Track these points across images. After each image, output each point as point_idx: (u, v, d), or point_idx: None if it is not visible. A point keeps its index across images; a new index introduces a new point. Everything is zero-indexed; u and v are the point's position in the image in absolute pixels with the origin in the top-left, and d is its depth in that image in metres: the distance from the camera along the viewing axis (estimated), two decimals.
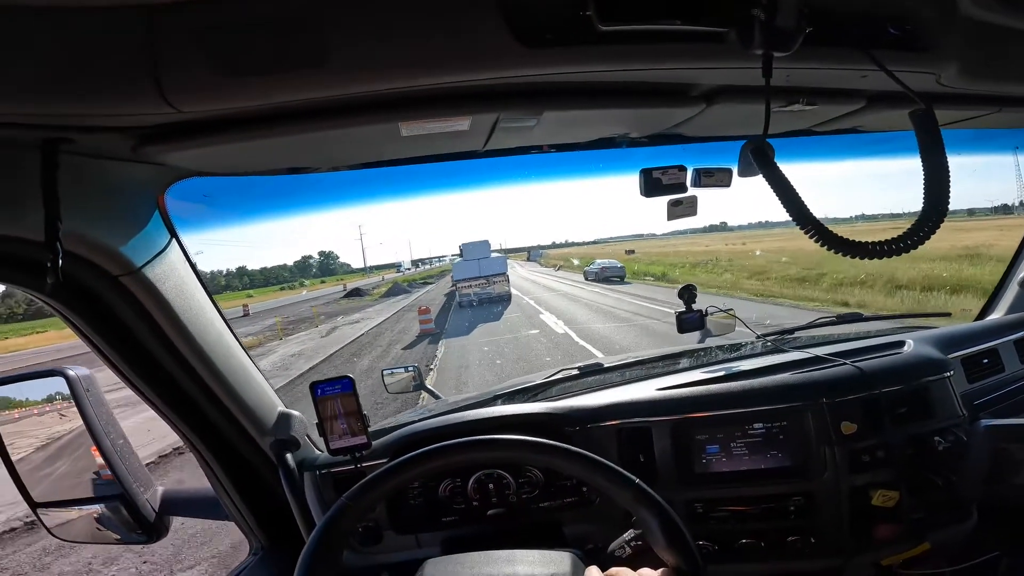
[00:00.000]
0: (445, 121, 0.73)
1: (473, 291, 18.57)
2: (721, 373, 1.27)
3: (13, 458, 1.00)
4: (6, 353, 22.68)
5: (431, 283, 40.41)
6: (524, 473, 1.14)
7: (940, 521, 1.12)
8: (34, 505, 1.05)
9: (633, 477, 0.76)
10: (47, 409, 1.06)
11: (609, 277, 23.82)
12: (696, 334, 1.50)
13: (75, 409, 1.00)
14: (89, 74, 0.50)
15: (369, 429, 1.07)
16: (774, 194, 0.66)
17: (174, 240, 0.87)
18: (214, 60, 0.51)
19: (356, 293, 33.55)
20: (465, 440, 0.83)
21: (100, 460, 1.05)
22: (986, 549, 1.21)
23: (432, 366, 8.93)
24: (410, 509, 1.15)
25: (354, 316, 20.17)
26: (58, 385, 0.97)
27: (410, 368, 1.61)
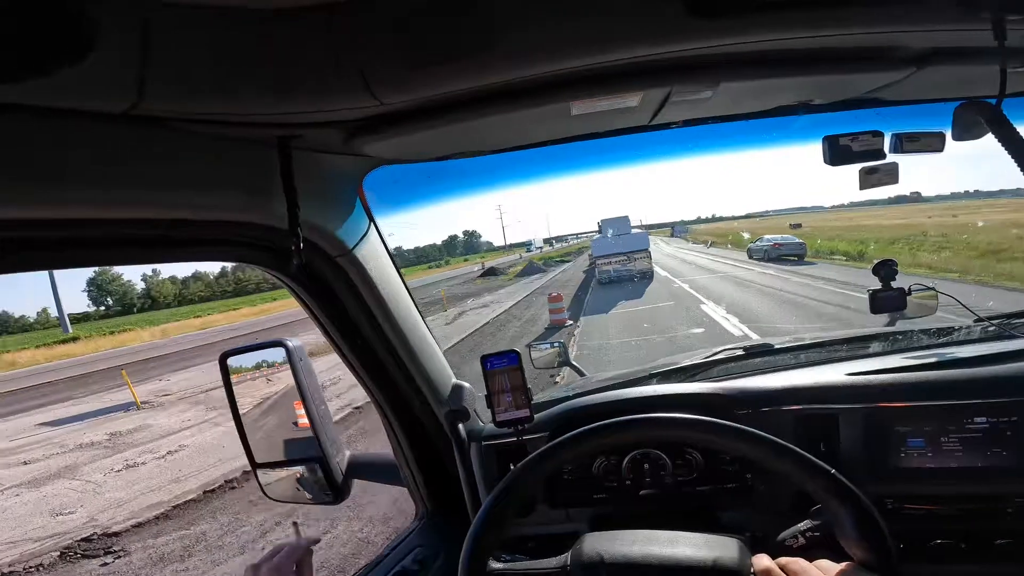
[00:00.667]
0: (616, 98, 0.74)
1: (613, 268, 18.18)
2: (931, 360, 1.14)
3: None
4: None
5: (568, 261, 39.71)
6: (683, 455, 1.12)
7: None
8: (255, 465, 1.20)
9: (828, 466, 0.72)
10: (256, 375, 1.24)
11: (783, 255, 19.30)
12: (883, 317, 1.36)
13: (280, 375, 1.16)
14: (310, 75, 0.56)
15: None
16: (1013, 159, 0.60)
17: (372, 224, 0.98)
18: (405, 50, 0.56)
19: (492, 273, 33.62)
20: (645, 417, 0.83)
21: (303, 422, 1.21)
22: None
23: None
24: (563, 484, 1.17)
25: (484, 299, 19.87)
26: (277, 355, 1.12)
27: (556, 344, 1.65)
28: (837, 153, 0.91)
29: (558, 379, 4.24)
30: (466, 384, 1.20)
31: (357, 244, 0.92)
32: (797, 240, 21.10)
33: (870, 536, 0.67)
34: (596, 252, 19.20)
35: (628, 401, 1.16)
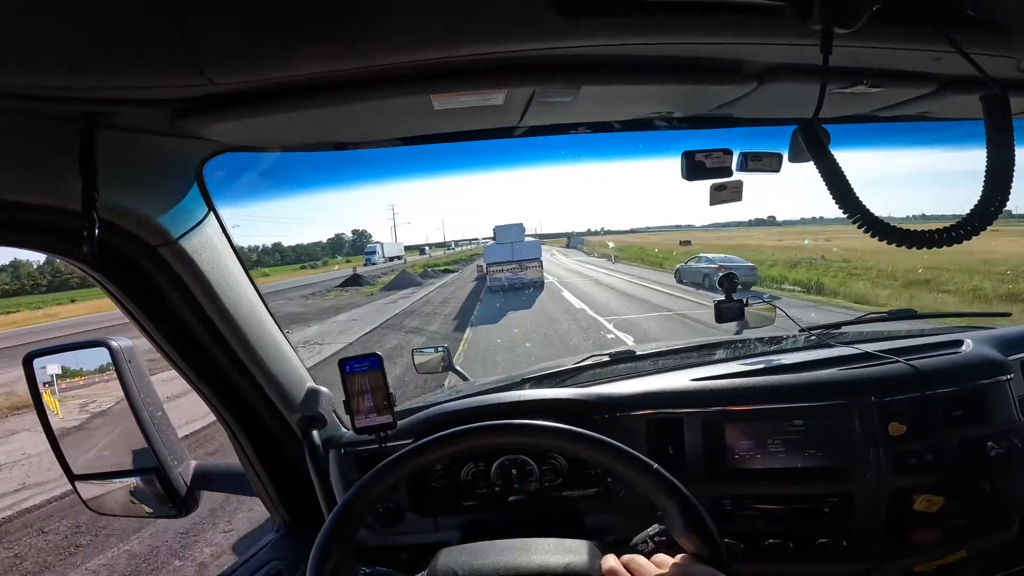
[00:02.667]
0: (478, 95, 0.71)
1: (505, 275, 18.09)
2: (760, 366, 1.22)
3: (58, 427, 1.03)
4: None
5: (453, 271, 31.38)
6: (548, 460, 1.13)
7: (982, 529, 1.07)
8: (72, 477, 1.07)
9: (652, 463, 0.75)
10: (96, 380, 1.09)
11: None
12: (732, 326, 1.45)
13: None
14: (125, 46, 0.50)
15: (395, 409, 1.06)
16: (823, 181, 0.64)
17: (211, 213, 0.88)
18: (245, 28, 0.51)
19: (355, 282, 25.38)
20: (484, 424, 0.83)
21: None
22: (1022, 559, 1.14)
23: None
24: (431, 491, 1.15)
25: (311, 329, 12.89)
26: (103, 356, 0.99)
27: (440, 348, 1.61)
28: (693, 168, 0.94)
29: (445, 382, 4.18)
30: (322, 388, 1.13)
31: (187, 233, 0.83)
32: (747, 263, 16.85)
33: (696, 527, 0.70)
34: (488, 259, 19.11)
35: (490, 407, 1.15)
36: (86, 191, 0.62)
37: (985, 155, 0.64)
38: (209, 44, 0.51)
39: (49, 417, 1.00)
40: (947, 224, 0.62)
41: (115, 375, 1.01)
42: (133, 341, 1.04)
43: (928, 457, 1.04)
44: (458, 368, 1.69)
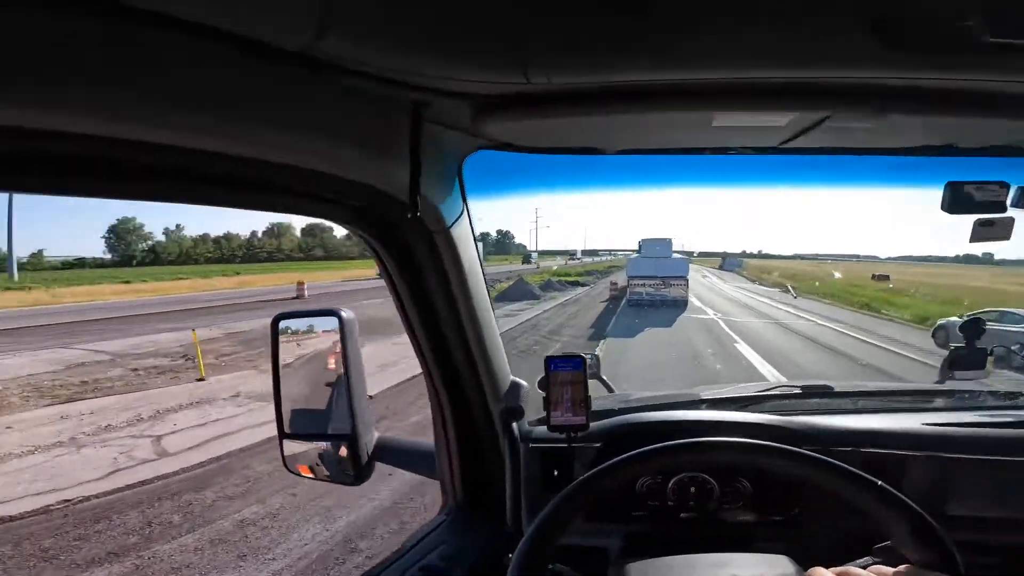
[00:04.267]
0: (765, 115, 0.71)
1: (646, 290, 17.55)
2: (1002, 419, 1.13)
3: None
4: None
5: (583, 284, 25.76)
6: (731, 483, 1.09)
7: None
8: (282, 435, 1.16)
9: (876, 479, 0.75)
10: (291, 340, 1.19)
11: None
12: (935, 374, 1.33)
13: (310, 341, 1.12)
14: (463, 39, 0.54)
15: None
16: None
17: (465, 206, 0.95)
18: (570, 35, 0.53)
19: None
20: (708, 440, 0.84)
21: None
22: None
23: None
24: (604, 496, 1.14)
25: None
26: (329, 323, 1.08)
27: (590, 356, 1.60)
28: (958, 200, 0.87)
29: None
30: (523, 382, 1.16)
31: (453, 223, 0.90)
32: None
33: (929, 537, 0.69)
34: (631, 272, 18.61)
35: (687, 423, 1.13)
36: (414, 178, 0.69)
37: None
38: (537, 47, 0.54)
39: (281, 375, 1.09)
40: None
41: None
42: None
43: None
44: (604, 378, 1.67)
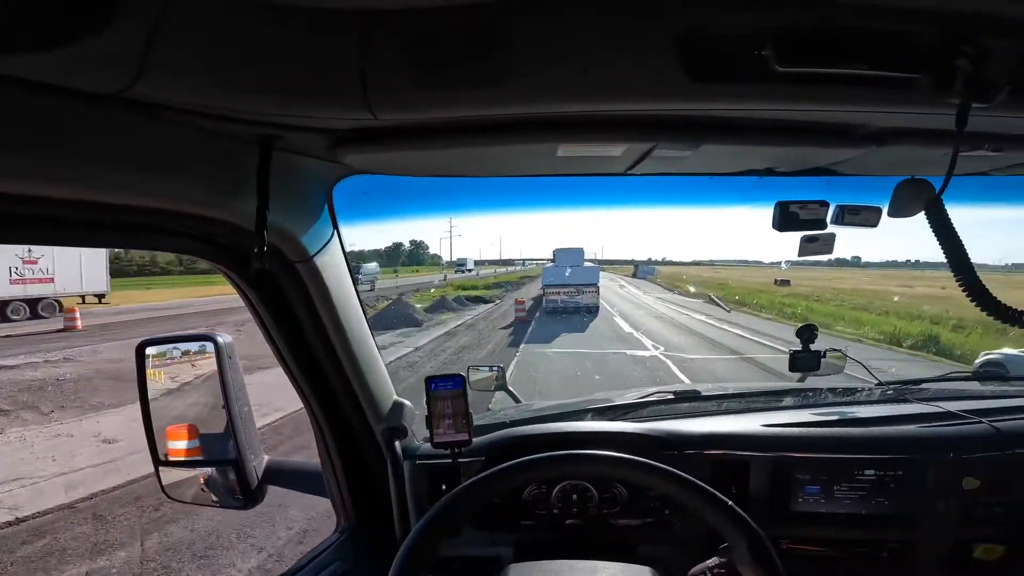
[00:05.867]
0: (604, 146, 0.77)
1: (560, 298, 18.09)
2: (834, 416, 1.25)
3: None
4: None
5: (489, 301, 22.08)
6: (609, 489, 1.16)
7: None
8: (157, 462, 1.11)
9: (726, 499, 0.82)
10: (184, 361, 1.14)
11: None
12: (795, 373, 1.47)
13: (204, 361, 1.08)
14: (307, 77, 0.55)
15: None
16: (938, 241, 0.67)
17: (335, 232, 0.95)
18: (414, 72, 0.56)
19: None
20: (570, 453, 0.91)
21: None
22: None
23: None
24: (491, 507, 1.18)
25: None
26: (205, 348, 1.04)
27: (495, 368, 1.64)
28: (785, 219, 0.97)
29: (490, 405, 4.16)
30: (407, 402, 1.17)
31: (319, 251, 0.90)
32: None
33: (764, 562, 0.76)
34: (547, 281, 19.08)
35: (564, 435, 1.18)
36: (260, 211, 0.69)
37: None
38: (380, 83, 0.56)
39: (150, 403, 1.04)
40: None
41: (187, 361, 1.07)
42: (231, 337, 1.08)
43: (997, 510, 1.07)
44: (511, 389, 1.72)
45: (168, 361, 1.11)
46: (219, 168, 0.68)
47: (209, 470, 1.16)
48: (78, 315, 14.57)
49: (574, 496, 1.15)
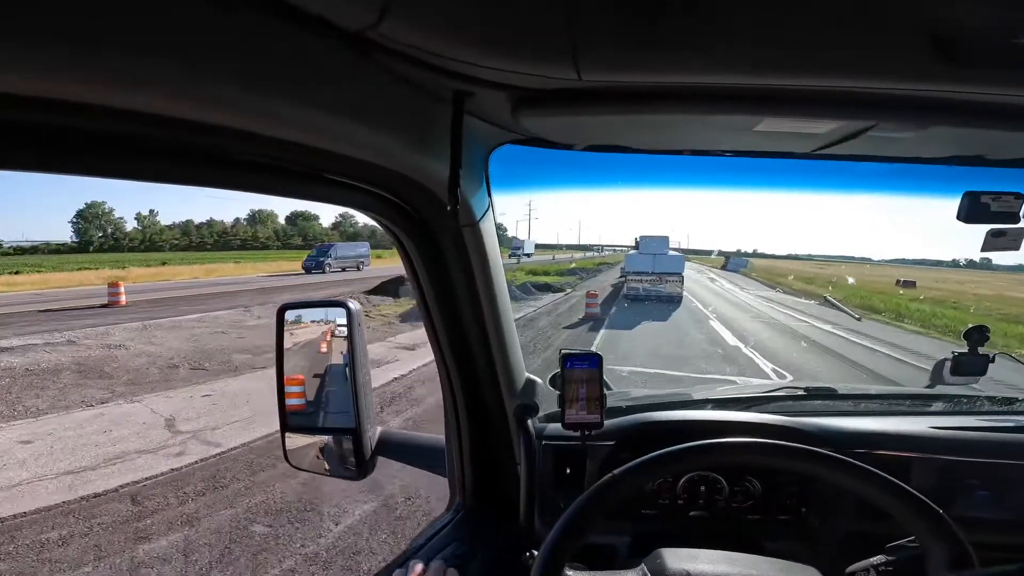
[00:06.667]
0: (811, 122, 0.71)
1: (643, 286, 17.66)
2: (1006, 424, 1.17)
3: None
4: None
5: (558, 290, 18.58)
6: (741, 481, 1.11)
7: None
8: (285, 428, 1.12)
9: (935, 507, 0.74)
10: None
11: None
12: (925, 378, 1.37)
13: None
14: (523, 32, 0.52)
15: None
16: None
17: (490, 200, 0.92)
18: (626, 29, 0.52)
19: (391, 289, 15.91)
20: (742, 441, 0.85)
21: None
22: None
23: None
24: None
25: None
26: (337, 315, 1.04)
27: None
28: (975, 210, 0.89)
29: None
30: (539, 379, 1.15)
31: (482, 217, 0.88)
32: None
33: (963, 567, 0.70)
34: (629, 268, 18.75)
35: (701, 423, 1.14)
36: (454, 169, 0.67)
37: None
38: (591, 44, 0.53)
39: (285, 367, 1.05)
40: None
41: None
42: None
43: None
44: (605, 379, 1.67)
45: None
46: (414, 123, 0.66)
47: (327, 438, 1.18)
48: (122, 290, 14.28)
49: (702, 487, 1.11)
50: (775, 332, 10.98)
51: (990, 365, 1.31)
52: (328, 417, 1.13)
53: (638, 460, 0.79)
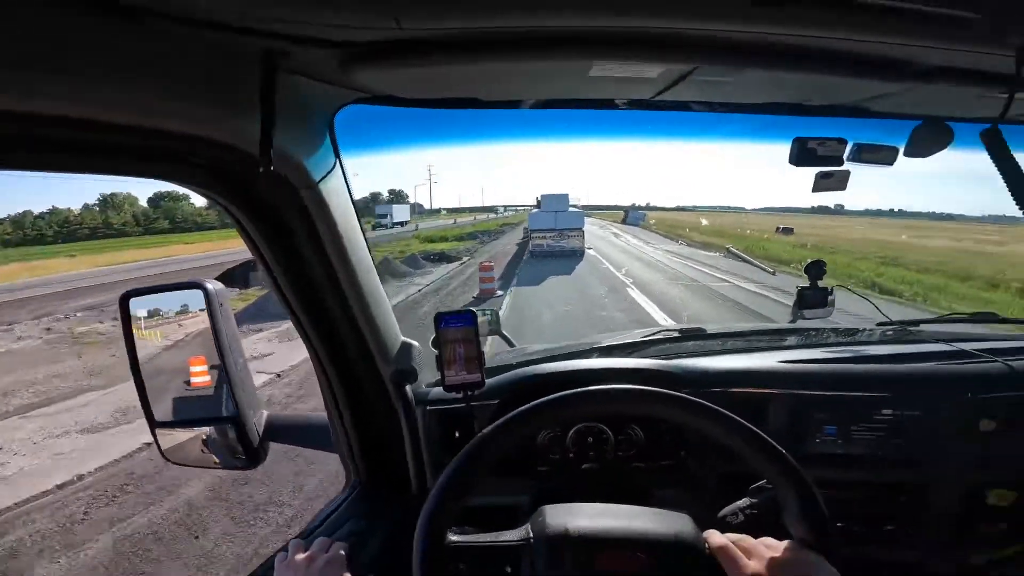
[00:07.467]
0: (639, 66, 0.71)
1: (547, 242, 18.82)
2: (847, 355, 1.26)
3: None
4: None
5: (453, 259, 18.13)
6: (624, 431, 1.14)
7: None
8: (153, 425, 1.05)
9: (782, 449, 0.75)
10: (170, 322, 1.06)
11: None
12: (787, 314, 1.49)
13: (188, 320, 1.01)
14: None
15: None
16: (1006, 185, 0.67)
17: (338, 161, 0.88)
18: None
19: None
20: (605, 388, 0.81)
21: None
22: None
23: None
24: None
25: None
26: (194, 298, 0.97)
27: (487, 312, 1.60)
28: (802, 154, 0.96)
29: (484, 348, 4.02)
30: (415, 343, 1.12)
31: (323, 179, 0.83)
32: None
33: (814, 518, 0.71)
34: (533, 226, 19.89)
35: (580, 372, 1.16)
36: (265, 131, 0.62)
37: None
38: None
39: (139, 360, 0.97)
40: None
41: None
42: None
43: (1012, 454, 1.08)
44: (505, 333, 1.69)
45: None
46: (220, 86, 0.62)
47: (208, 429, 1.11)
48: None
49: (589, 439, 1.13)
50: (706, 302, 10.19)
51: (840, 299, 1.45)
52: (204, 407, 1.07)
53: (502, 419, 0.78)
